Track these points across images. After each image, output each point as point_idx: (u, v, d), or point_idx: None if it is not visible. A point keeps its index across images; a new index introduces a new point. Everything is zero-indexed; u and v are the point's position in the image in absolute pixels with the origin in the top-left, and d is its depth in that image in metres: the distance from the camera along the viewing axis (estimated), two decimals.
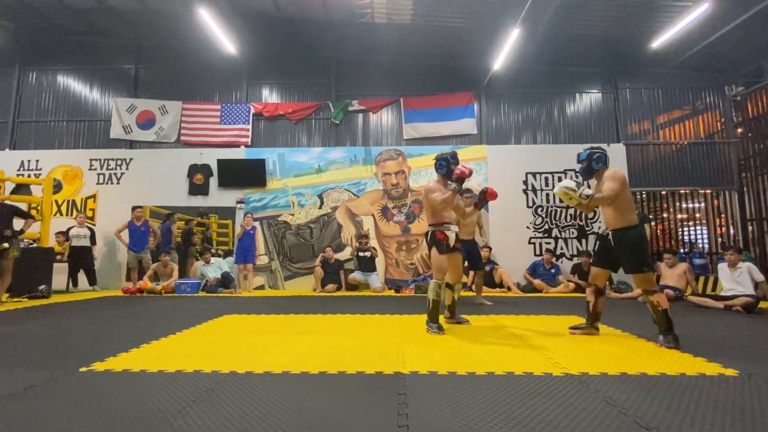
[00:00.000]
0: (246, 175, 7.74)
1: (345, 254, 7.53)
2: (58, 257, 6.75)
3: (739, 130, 8.02)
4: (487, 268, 6.87)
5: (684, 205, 8.83)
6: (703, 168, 7.93)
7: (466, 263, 4.76)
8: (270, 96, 8.51)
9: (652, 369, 2.31)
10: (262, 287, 7.45)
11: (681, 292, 5.37)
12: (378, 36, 7.58)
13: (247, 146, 8.10)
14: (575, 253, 7.39)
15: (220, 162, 7.77)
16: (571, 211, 7.51)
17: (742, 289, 4.55)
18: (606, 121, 8.20)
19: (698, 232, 8.84)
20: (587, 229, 7.49)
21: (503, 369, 2.30)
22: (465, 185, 3.50)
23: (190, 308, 4.88)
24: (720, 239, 8.19)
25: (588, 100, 8.32)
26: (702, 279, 6.31)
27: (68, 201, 7.86)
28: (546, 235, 7.50)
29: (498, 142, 8.09)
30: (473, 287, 5.45)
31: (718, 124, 8.12)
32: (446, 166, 3.50)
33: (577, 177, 3.28)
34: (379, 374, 2.21)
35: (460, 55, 8.03)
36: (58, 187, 7.70)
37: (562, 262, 7.24)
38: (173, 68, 8.51)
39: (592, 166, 3.14)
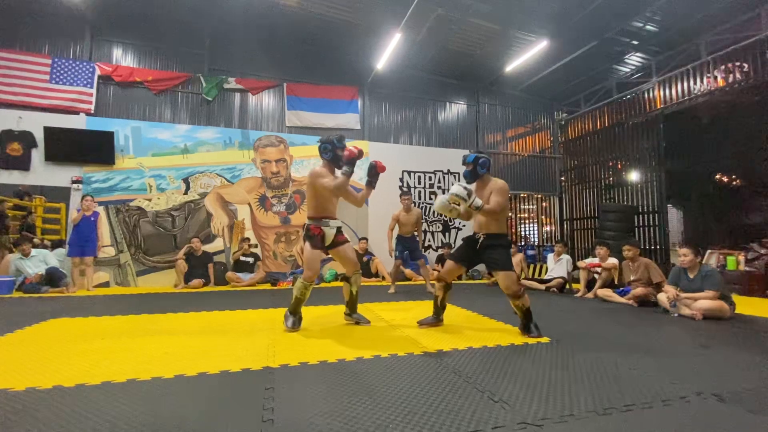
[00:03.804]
0: (87, 149, 6.38)
1: (215, 246, 6.90)
2: None
3: (562, 147, 10.08)
4: (365, 258, 7.17)
5: (522, 206, 10.73)
6: (537, 177, 9.74)
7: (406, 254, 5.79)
8: (124, 58, 7.19)
9: (491, 342, 2.75)
10: (106, 284, 6.30)
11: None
12: (262, 13, 7.09)
13: (89, 114, 6.69)
14: (440, 245, 8.26)
15: (49, 130, 6.22)
16: None
17: (559, 272, 5.90)
18: (469, 130, 9.35)
19: (530, 228, 10.87)
20: (450, 224, 8.44)
21: (371, 353, 2.44)
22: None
23: None
24: (545, 235, 10.19)
25: (456, 109, 9.34)
26: (531, 266, 7.75)
27: None
28: None
29: (379, 139, 8.45)
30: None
31: (548, 142, 10.08)
32: (331, 150, 3.20)
33: (457, 182, 3.25)
34: (245, 371, 2.11)
35: (347, 49, 8.10)
36: None
37: (429, 253, 8.01)
38: None
39: (477, 171, 3.13)
